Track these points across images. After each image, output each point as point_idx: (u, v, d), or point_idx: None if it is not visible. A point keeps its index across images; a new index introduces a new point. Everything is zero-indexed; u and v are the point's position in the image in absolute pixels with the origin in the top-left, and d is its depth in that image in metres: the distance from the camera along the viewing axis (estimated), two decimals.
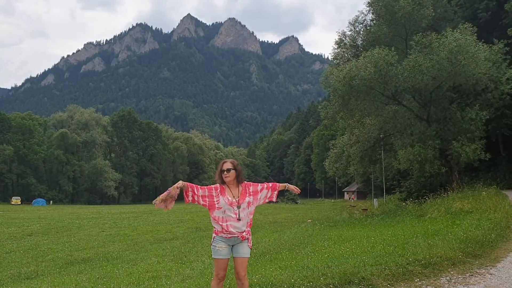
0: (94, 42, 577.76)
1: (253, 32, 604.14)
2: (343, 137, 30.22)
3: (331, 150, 30.72)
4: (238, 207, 4.38)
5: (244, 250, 4.43)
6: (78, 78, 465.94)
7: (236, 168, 4.53)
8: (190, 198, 4.40)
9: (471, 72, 20.84)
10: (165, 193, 4.35)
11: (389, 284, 5.80)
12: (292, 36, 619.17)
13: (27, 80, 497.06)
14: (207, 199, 4.38)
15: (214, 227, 4.41)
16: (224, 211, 4.33)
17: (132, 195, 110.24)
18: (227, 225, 4.30)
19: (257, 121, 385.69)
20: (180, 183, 4.36)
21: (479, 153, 21.56)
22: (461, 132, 22.78)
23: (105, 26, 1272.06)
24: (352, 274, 5.97)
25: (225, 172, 4.46)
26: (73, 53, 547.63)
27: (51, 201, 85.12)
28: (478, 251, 7.96)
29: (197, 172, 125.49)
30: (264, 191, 4.74)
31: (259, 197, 4.67)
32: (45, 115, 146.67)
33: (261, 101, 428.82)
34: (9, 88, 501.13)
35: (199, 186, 4.48)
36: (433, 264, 6.84)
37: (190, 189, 4.40)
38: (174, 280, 7.71)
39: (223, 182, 4.48)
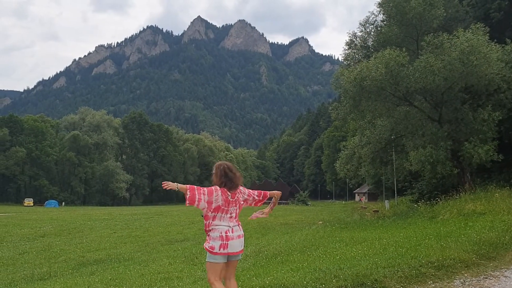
0: (105, 45, 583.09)
1: (263, 34, 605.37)
2: (354, 138, 30.07)
3: (342, 151, 30.56)
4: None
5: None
6: (89, 81, 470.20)
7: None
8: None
9: (483, 73, 20.61)
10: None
11: (402, 286, 5.76)
12: (302, 37, 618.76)
13: (39, 83, 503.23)
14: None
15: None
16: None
17: (143, 197, 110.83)
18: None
19: (267, 123, 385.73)
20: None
21: (491, 154, 21.30)
22: (473, 133, 22.53)
23: (116, 29, 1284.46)
24: (365, 276, 5.94)
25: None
26: (85, 56, 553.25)
27: (63, 203, 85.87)
28: (492, 253, 7.87)
29: (207, 173, 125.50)
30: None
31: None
32: (57, 117, 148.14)
33: (271, 103, 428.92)
34: (22, 90, 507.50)
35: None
36: (446, 266, 6.78)
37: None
38: (186, 281, 7.74)
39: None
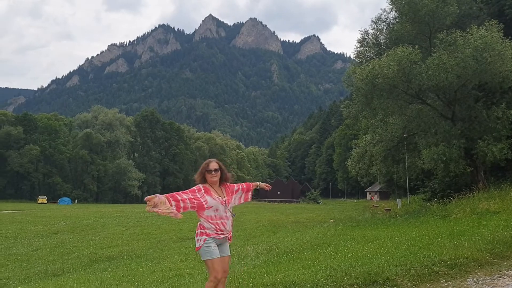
0: (118, 44, 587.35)
1: (274, 32, 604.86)
2: (365, 137, 29.90)
3: (353, 149, 30.41)
4: (226, 206, 4.47)
5: (228, 249, 4.57)
6: (102, 79, 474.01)
7: (222, 169, 4.56)
8: (180, 209, 4.26)
9: (497, 70, 20.34)
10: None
11: (414, 285, 5.72)
12: (314, 35, 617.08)
13: (53, 82, 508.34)
14: (194, 201, 4.30)
15: (204, 229, 4.36)
16: (216, 210, 4.37)
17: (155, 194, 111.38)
18: (221, 222, 4.38)
19: (278, 121, 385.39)
20: (156, 198, 4.18)
21: (505, 152, 21.02)
22: (487, 131, 22.26)
23: (129, 28, 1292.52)
24: (376, 274, 5.91)
25: (213, 172, 4.47)
26: (97, 55, 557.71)
27: (76, 200, 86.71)
28: (506, 252, 7.77)
29: None
30: (239, 192, 4.84)
31: (234, 198, 4.72)
32: (70, 115, 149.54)
33: (282, 101, 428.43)
34: (36, 89, 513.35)
35: (180, 192, 4.37)
36: (459, 265, 6.71)
37: (171, 199, 4.22)
38: (197, 278, 7.77)
39: (204, 182, 4.48)
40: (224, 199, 4.47)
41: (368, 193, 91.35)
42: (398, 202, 38.71)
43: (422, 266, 6.50)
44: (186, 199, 4.25)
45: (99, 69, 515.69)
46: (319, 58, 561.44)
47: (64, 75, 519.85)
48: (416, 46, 22.09)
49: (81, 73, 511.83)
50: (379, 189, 79.51)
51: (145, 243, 16.73)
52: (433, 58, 21.03)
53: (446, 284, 5.85)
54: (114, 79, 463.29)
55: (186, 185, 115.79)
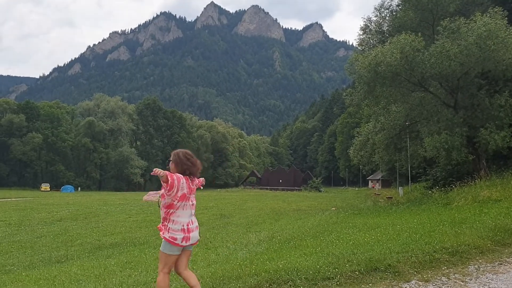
0: (119, 31, 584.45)
1: (276, 19, 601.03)
2: (368, 125, 29.85)
3: (355, 138, 30.39)
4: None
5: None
6: (104, 67, 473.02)
7: None
8: (174, 192, 4.14)
9: (500, 58, 20.21)
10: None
11: (416, 272, 5.76)
12: (316, 23, 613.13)
13: (54, 69, 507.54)
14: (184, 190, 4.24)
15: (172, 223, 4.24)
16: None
17: (158, 182, 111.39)
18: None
19: (280, 109, 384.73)
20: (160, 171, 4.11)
21: (508, 140, 20.97)
22: (490, 119, 22.19)
23: (131, 15, 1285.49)
24: (378, 261, 5.95)
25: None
26: (99, 42, 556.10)
27: (79, 188, 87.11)
28: (507, 240, 7.80)
29: (221, 160, 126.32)
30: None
31: None
32: (72, 103, 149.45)
33: (284, 89, 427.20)
34: (38, 77, 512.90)
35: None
36: (461, 252, 6.75)
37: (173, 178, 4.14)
38: (200, 265, 7.83)
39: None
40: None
41: (370, 181, 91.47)
42: (400, 190, 38.79)
43: (423, 253, 6.54)
44: (179, 187, 4.18)
45: (100, 56, 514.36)
46: (322, 45, 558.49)
47: (66, 63, 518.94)
48: (419, 34, 21.93)
49: (82, 61, 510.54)
50: (381, 177, 79.58)
51: (148, 230, 16.83)
52: (436, 45, 20.89)
53: (447, 271, 5.89)
54: (116, 67, 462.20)
55: None
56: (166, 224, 4.20)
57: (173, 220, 4.18)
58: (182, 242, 4.16)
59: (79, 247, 13.38)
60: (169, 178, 4.09)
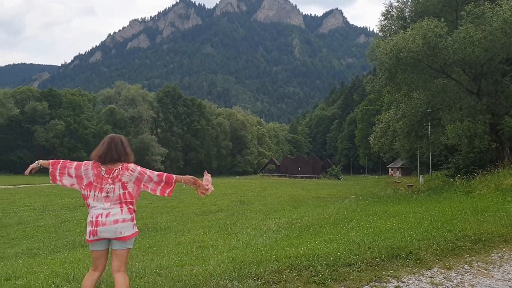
0: (139, 19, 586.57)
1: (296, 5, 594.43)
2: (389, 112, 29.53)
3: (376, 125, 30.12)
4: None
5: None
6: (124, 55, 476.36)
7: None
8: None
9: None
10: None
11: (438, 259, 5.73)
12: (336, 9, 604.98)
13: (76, 57, 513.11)
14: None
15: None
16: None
17: (178, 169, 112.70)
18: None
19: (299, 97, 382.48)
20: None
21: None
22: None
23: (151, 3, 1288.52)
24: (399, 248, 5.94)
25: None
26: (119, 30, 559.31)
27: None
28: None
29: (240, 147, 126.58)
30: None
31: None
32: (94, 91, 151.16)
33: (303, 76, 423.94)
34: (60, 65, 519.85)
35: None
36: (484, 240, 6.69)
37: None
38: (221, 250, 7.94)
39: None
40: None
41: (390, 169, 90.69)
42: (421, 178, 38.37)
43: (445, 240, 6.50)
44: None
45: (121, 44, 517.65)
46: (342, 32, 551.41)
47: (87, 51, 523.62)
48: (442, 19, 21.50)
49: (103, 49, 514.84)
50: (401, 165, 78.84)
51: (169, 216, 17.06)
52: (460, 31, 20.47)
53: (470, 259, 5.85)
54: (136, 54, 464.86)
55: (207, 160, 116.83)
56: (135, 215, 3.88)
57: (89, 212, 3.78)
58: (89, 236, 3.69)
59: None
60: (50, 167, 3.83)
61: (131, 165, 3.92)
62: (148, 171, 3.95)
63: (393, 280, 4.87)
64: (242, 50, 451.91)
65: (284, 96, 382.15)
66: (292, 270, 5.02)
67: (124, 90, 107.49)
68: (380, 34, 28.88)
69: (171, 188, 3.97)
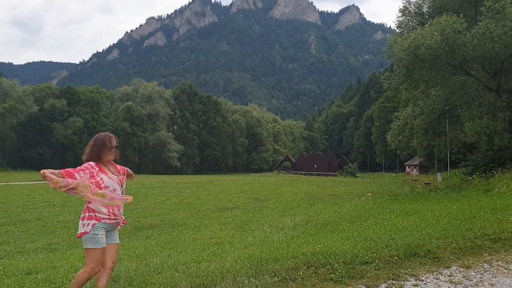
0: (156, 17, 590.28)
1: (312, 2, 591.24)
2: (406, 109, 29.26)
3: (393, 122, 29.88)
4: (121, 186, 4.01)
5: (117, 236, 4.04)
6: (141, 53, 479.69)
7: (118, 145, 4.04)
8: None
9: None
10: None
11: (456, 258, 5.68)
12: (353, 5, 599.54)
13: (94, 55, 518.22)
14: (92, 181, 3.73)
15: (94, 212, 3.79)
16: (114, 190, 3.85)
17: (194, 166, 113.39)
18: (116, 205, 3.88)
19: (315, 94, 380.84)
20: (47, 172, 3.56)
21: None
22: None
23: (167, 1, 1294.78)
24: (417, 246, 5.89)
25: (113, 149, 3.97)
26: (136, 28, 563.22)
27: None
28: None
29: (255, 144, 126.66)
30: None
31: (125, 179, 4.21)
32: (111, 88, 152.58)
33: (320, 73, 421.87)
34: (78, 63, 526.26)
35: (75, 169, 3.76)
36: (503, 239, 6.59)
37: (66, 175, 3.62)
38: (238, 246, 7.97)
39: (97, 159, 3.90)
40: (119, 178, 3.98)
41: (407, 167, 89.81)
42: (438, 176, 37.92)
43: (464, 239, 6.43)
44: (82, 176, 3.70)
45: (138, 42, 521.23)
46: (359, 28, 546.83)
47: (105, 49, 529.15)
48: (461, 15, 21.19)
49: (120, 47, 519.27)
50: (418, 163, 77.97)
51: (186, 213, 17.18)
52: (479, 27, 20.15)
53: (489, 258, 5.78)
54: (152, 52, 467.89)
55: (223, 157, 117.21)
56: (87, 214, 3.87)
57: (92, 208, 3.86)
58: (108, 220, 3.90)
59: None
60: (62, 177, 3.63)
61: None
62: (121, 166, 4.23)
63: (411, 279, 4.84)
64: (258, 47, 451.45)
65: (300, 93, 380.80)
66: (309, 268, 5.02)
67: (141, 87, 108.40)
68: (397, 30, 28.62)
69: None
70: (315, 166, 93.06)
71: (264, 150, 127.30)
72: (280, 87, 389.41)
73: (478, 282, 4.82)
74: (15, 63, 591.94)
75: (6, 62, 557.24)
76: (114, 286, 4.64)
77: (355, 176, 77.73)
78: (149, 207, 19.58)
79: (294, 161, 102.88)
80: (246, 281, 4.54)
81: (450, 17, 20.57)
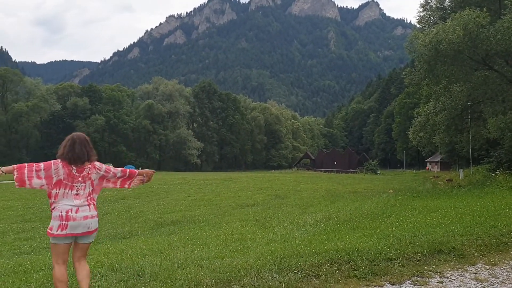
0: (175, 15, 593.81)
1: None
2: (428, 105, 28.87)
3: (415, 118, 29.54)
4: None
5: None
6: (161, 51, 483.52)
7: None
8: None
9: None
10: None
11: (482, 255, 5.61)
12: (373, 1, 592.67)
13: (114, 54, 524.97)
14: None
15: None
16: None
17: (214, 163, 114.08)
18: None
19: (335, 90, 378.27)
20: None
21: None
22: None
23: None
24: (441, 243, 5.84)
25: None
26: (156, 27, 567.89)
27: (140, 168, 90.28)
28: None
29: (274, 141, 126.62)
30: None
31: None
32: (132, 86, 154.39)
33: (339, 69, 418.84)
34: (99, 61, 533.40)
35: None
36: None
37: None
38: (259, 242, 8.01)
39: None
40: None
41: (428, 164, 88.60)
42: (460, 172, 37.31)
43: (489, 236, 6.35)
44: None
45: (158, 40, 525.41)
46: (378, 24, 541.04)
47: (125, 47, 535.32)
48: (484, 9, 20.78)
49: (141, 45, 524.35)
50: (440, 159, 76.90)
51: (206, 209, 17.31)
52: (503, 21, 19.73)
53: None
54: (172, 50, 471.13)
55: (242, 154, 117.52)
56: (52, 212, 3.91)
57: (54, 207, 3.87)
58: (57, 230, 3.80)
59: (142, 224, 14.00)
60: (16, 173, 3.79)
61: (97, 164, 4.21)
62: (112, 169, 4.31)
63: (436, 275, 4.81)
64: (276, 44, 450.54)
65: (319, 90, 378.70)
66: (332, 264, 5.03)
67: (161, 85, 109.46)
68: (418, 25, 28.22)
69: (131, 180, 4.44)
70: (335, 163, 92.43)
71: (283, 147, 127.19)
72: (299, 84, 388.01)
73: (505, 279, 4.77)
74: (38, 62, 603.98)
75: (30, 61, 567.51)
76: (139, 281, 4.73)
77: (376, 173, 77.01)
78: (171, 204, 19.78)
79: (313, 158, 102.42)
80: (270, 277, 4.57)
81: (473, 11, 20.20)
